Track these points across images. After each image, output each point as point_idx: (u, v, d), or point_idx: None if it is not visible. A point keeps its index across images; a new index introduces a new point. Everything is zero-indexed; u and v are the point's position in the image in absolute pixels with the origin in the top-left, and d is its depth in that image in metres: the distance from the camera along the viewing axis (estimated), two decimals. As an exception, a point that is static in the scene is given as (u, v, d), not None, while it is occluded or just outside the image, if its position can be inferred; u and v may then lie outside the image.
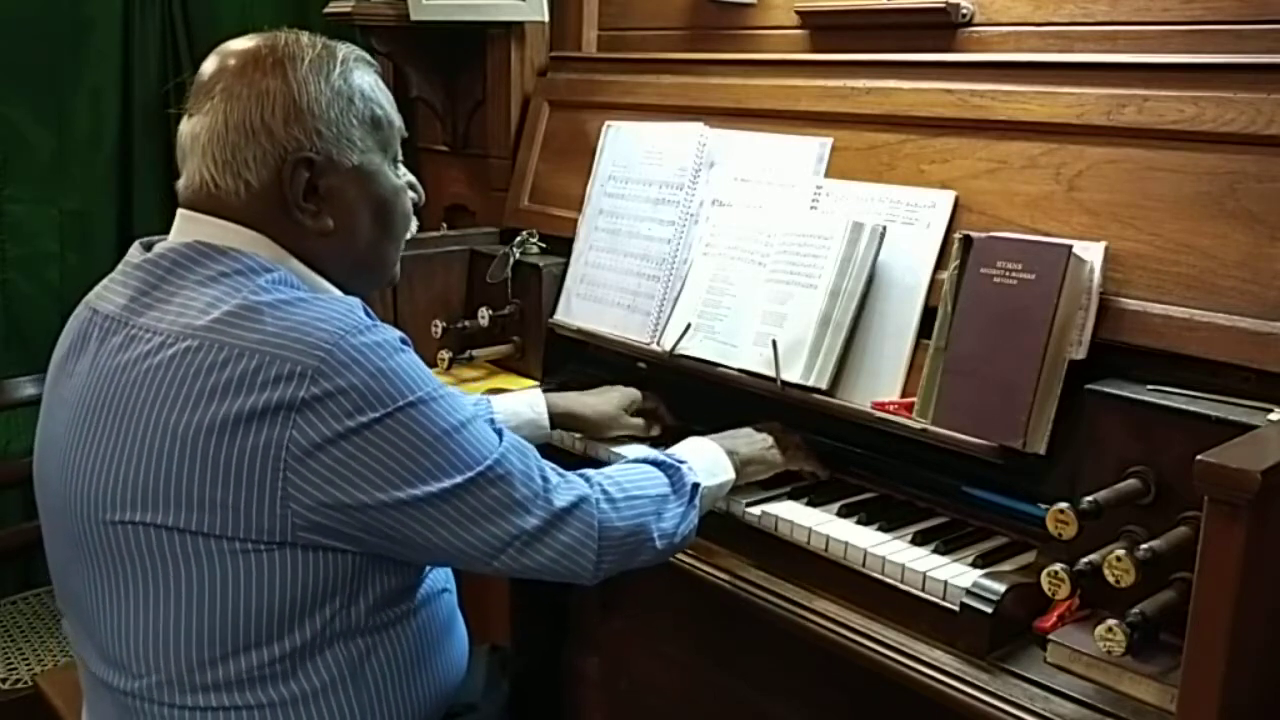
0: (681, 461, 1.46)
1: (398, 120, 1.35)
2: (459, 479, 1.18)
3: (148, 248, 1.28)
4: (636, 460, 1.45)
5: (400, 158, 1.38)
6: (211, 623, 1.15)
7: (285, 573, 1.15)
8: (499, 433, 1.26)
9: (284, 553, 1.15)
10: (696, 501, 1.44)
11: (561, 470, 1.31)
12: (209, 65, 1.28)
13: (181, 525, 1.13)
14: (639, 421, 1.80)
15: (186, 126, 1.26)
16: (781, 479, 1.64)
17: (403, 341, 1.21)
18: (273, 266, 1.22)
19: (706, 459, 1.53)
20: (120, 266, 1.30)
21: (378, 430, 1.14)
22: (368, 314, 1.23)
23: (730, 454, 1.56)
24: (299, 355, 1.12)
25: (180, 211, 1.28)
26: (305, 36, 1.29)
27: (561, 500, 1.27)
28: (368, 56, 1.35)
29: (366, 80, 1.31)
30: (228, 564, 1.14)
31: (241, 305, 1.16)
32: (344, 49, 1.31)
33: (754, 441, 1.62)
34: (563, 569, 1.28)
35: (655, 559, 1.38)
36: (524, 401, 1.77)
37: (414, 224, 1.41)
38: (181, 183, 1.28)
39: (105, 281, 1.30)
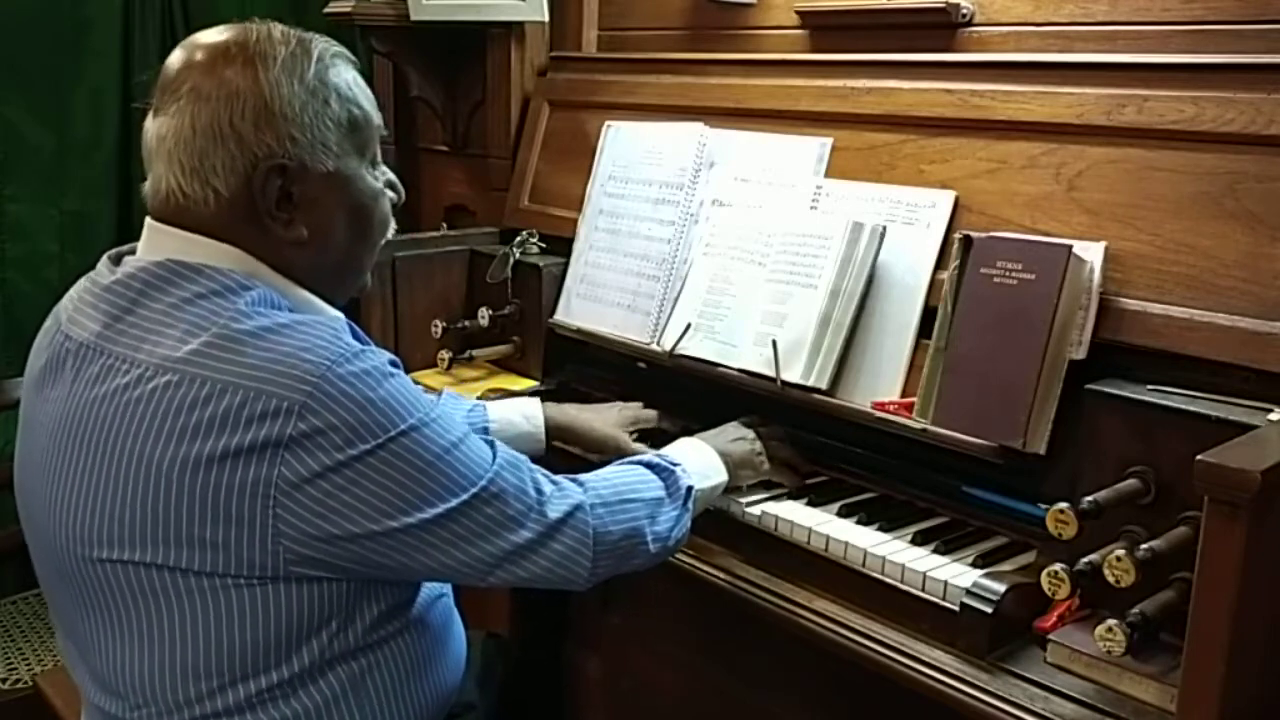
0: (675, 464, 1.45)
1: (377, 119, 1.27)
2: (453, 502, 1.16)
3: (116, 261, 1.22)
4: (630, 463, 1.44)
5: (379, 158, 1.30)
6: (208, 656, 1.13)
7: (279, 604, 1.13)
8: (491, 445, 1.24)
9: (276, 586, 1.12)
10: (690, 505, 1.43)
11: (554, 477, 1.29)
12: (175, 59, 1.20)
13: (170, 563, 1.10)
14: (640, 446, 1.71)
15: (152, 126, 1.18)
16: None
17: (392, 364, 1.16)
18: (250, 284, 1.16)
19: (701, 461, 1.51)
20: (89, 284, 1.23)
21: (369, 462, 1.10)
22: (354, 333, 1.19)
23: (723, 455, 1.54)
24: (284, 390, 1.07)
25: (148, 223, 1.21)
26: (279, 31, 1.21)
27: (555, 511, 1.25)
28: (346, 51, 1.25)
29: (344, 78, 1.23)
30: (219, 600, 1.11)
31: (221, 335, 1.10)
32: (320, 44, 1.22)
33: (743, 444, 1.60)
34: (557, 577, 1.26)
35: (649, 562, 1.37)
36: (519, 411, 1.73)
37: (392, 226, 1.34)
38: (148, 187, 1.21)
39: (75, 299, 1.24)
